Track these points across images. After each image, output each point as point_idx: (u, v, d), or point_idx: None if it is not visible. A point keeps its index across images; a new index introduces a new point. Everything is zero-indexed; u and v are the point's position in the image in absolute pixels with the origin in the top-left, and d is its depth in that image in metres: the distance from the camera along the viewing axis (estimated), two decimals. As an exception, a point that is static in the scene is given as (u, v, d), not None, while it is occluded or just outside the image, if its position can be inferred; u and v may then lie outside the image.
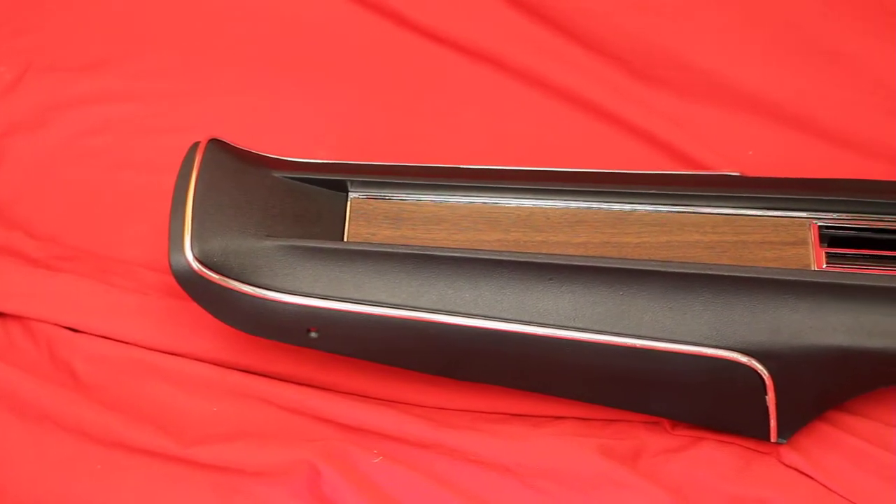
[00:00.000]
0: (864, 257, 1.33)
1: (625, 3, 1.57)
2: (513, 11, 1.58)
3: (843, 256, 1.33)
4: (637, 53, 1.57)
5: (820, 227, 1.35)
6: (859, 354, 1.29)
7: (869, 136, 1.55)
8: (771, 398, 1.31)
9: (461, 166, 1.39)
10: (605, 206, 1.35)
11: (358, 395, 1.39)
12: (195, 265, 1.27)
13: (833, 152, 1.55)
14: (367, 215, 1.34)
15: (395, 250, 1.29)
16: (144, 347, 1.41)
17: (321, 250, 1.29)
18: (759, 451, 1.36)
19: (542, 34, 1.58)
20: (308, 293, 1.28)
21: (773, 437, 1.34)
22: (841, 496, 1.33)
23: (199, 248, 1.27)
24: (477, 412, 1.39)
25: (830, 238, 1.34)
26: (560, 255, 1.31)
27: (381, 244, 1.31)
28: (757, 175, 1.43)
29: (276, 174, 1.34)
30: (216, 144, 1.34)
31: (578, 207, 1.35)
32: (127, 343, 1.41)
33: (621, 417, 1.38)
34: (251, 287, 1.28)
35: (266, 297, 1.28)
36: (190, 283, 1.28)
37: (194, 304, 1.31)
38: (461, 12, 1.59)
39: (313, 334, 1.31)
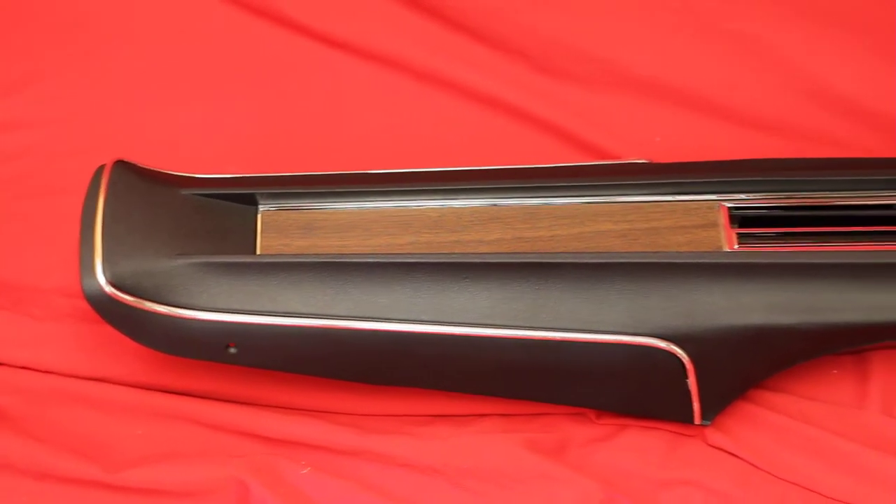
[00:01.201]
0: (775, 235, 1.34)
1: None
2: (410, 12, 1.58)
3: (753, 236, 1.34)
4: (538, 47, 1.57)
5: (729, 208, 1.36)
6: (776, 332, 1.31)
7: (773, 116, 1.56)
8: (692, 381, 1.32)
9: (370, 171, 1.39)
10: (515, 201, 1.36)
11: (282, 408, 1.39)
12: (108, 289, 1.26)
13: (739, 133, 1.56)
14: (278, 227, 1.34)
15: (308, 260, 1.29)
16: (64, 375, 1.39)
17: (234, 265, 1.29)
18: (684, 435, 1.37)
19: (441, 33, 1.58)
20: (224, 309, 1.28)
21: (697, 420, 1.35)
22: (767, 472, 1.34)
23: (111, 272, 1.26)
24: (402, 416, 1.39)
25: (741, 219, 1.36)
26: (473, 253, 1.31)
27: (293, 255, 1.30)
28: (665, 161, 1.44)
29: (185, 192, 1.34)
30: (122, 166, 1.33)
31: (489, 205, 1.36)
32: (46, 372, 1.40)
33: (545, 411, 1.39)
34: (166, 307, 1.27)
35: (182, 315, 1.27)
36: (104, 308, 1.27)
37: (112, 329, 1.30)
38: (358, 16, 1.58)
39: (232, 350, 1.30)
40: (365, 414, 1.39)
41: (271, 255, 1.31)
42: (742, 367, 1.33)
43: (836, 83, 1.55)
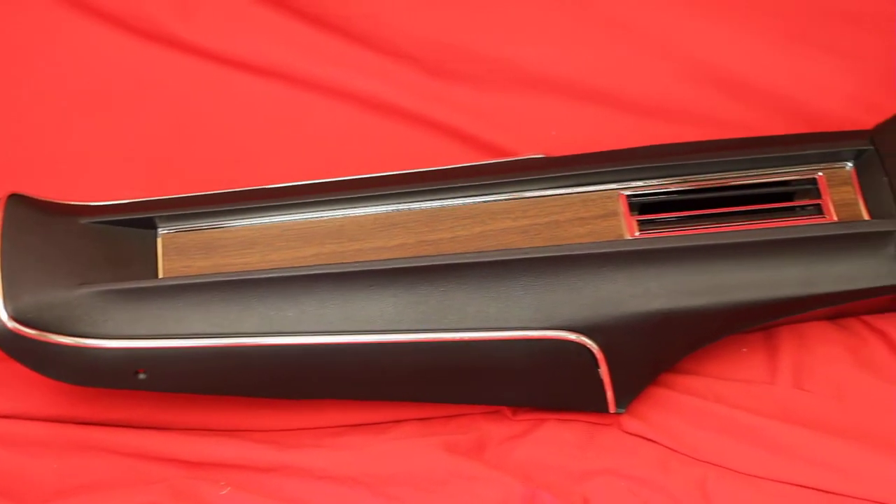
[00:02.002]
0: (675, 220, 1.36)
1: (409, 2, 1.57)
2: (298, 24, 1.57)
3: (654, 222, 1.35)
4: (428, 51, 1.57)
5: (628, 196, 1.37)
6: (682, 315, 1.32)
7: (666, 101, 1.57)
8: (604, 370, 1.33)
9: (269, 186, 1.38)
10: (415, 205, 1.36)
11: (197, 430, 1.38)
12: (10, 324, 1.25)
13: (634, 121, 1.57)
14: (179, 249, 1.33)
15: (211, 279, 1.28)
16: (-27, 415, 1.38)
17: (137, 290, 1.28)
18: (600, 424, 1.38)
19: (330, 43, 1.57)
20: (130, 335, 1.27)
21: (612, 408, 1.36)
22: (684, 455, 1.35)
23: (13, 307, 1.25)
24: (319, 428, 1.39)
25: (640, 205, 1.37)
26: (377, 260, 1.31)
27: (196, 276, 1.30)
28: (562, 154, 1.45)
29: (83, 220, 1.32)
30: (16, 199, 1.32)
31: (390, 211, 1.36)
32: (-45, 413, 1.38)
33: (461, 412, 1.39)
34: (71, 338, 1.26)
35: (88, 345, 1.26)
36: (8, 344, 1.26)
37: (18, 364, 1.28)
38: (246, 31, 1.57)
39: (142, 376, 1.29)
40: (281, 429, 1.38)
41: (174, 278, 1.30)
42: (652, 353, 1.34)
43: (725, 65, 1.57)
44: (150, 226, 1.34)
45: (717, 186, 1.38)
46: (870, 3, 1.53)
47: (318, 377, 1.32)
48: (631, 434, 1.37)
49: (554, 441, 1.37)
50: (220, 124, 1.57)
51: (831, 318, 1.45)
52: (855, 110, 1.53)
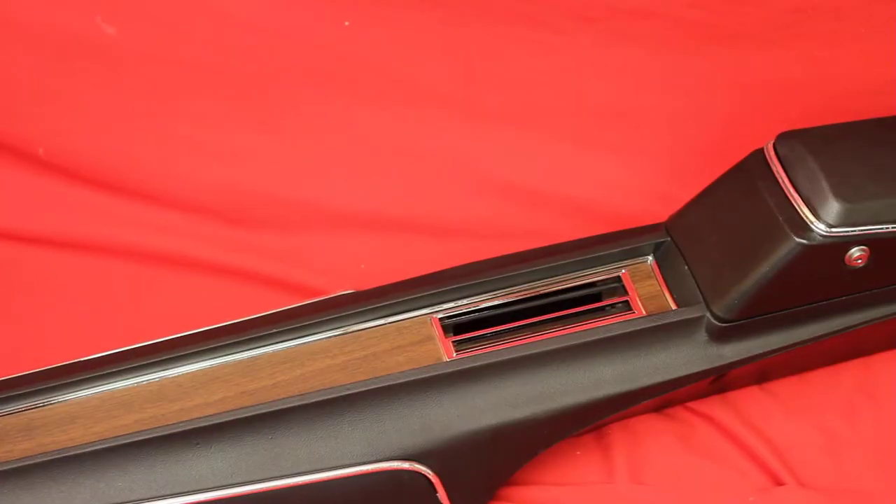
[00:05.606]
0: (488, 336, 1.37)
1: (196, 157, 1.58)
2: (89, 192, 1.56)
3: (469, 341, 1.36)
4: (226, 202, 1.58)
5: (440, 319, 1.38)
6: (512, 427, 1.33)
7: (466, 220, 1.60)
8: (442, 494, 1.33)
9: (82, 359, 1.37)
10: (232, 357, 1.35)
11: None
12: None
13: (438, 243, 1.59)
14: (-2, 435, 1.31)
15: (34, 461, 1.26)
16: None
17: (-41, 483, 1.25)
18: (446, 548, 1.38)
19: (124, 206, 1.57)
20: None
21: (456, 530, 1.36)
22: (534, 566, 1.36)
23: None
24: None
25: (453, 327, 1.38)
26: (200, 417, 1.30)
27: (18, 459, 1.27)
28: (372, 287, 1.46)
29: None
30: None
31: (207, 366, 1.35)
32: None
33: (307, 556, 1.38)
34: None
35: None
36: None
37: None
38: (32, 204, 1.57)
39: (-22, 572, 1.26)
40: None
41: (-5, 465, 1.27)
42: (488, 469, 1.35)
43: (517, 176, 1.59)
44: (-37, 417, 1.31)
45: (527, 297, 1.40)
46: (635, 101, 1.57)
47: (157, 545, 1.30)
48: (477, 553, 1.38)
49: (403, 571, 1.36)
50: (21, 304, 1.55)
51: (658, 409, 1.48)
52: (649, 204, 1.57)
